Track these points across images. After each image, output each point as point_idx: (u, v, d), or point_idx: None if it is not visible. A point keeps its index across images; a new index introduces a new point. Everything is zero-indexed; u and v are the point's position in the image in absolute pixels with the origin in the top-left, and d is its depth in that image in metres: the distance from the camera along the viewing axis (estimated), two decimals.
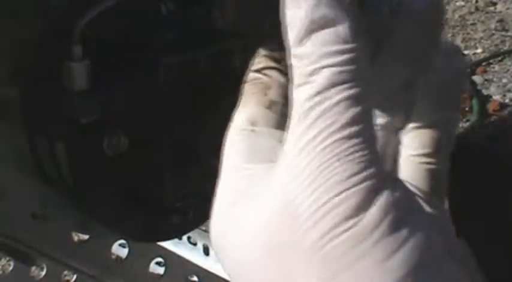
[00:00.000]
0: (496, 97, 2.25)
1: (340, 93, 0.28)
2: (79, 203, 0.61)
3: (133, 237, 0.69)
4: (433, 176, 0.34)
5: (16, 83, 0.57)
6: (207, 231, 0.97)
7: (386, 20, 0.33)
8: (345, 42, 0.28)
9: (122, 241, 0.77)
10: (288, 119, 0.31)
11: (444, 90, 0.34)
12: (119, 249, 0.83)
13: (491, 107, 2.19)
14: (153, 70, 0.60)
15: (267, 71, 0.34)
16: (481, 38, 2.55)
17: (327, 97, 0.28)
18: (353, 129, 0.27)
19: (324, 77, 0.28)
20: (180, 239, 1.00)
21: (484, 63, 2.41)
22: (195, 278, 0.90)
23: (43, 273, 0.68)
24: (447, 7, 2.76)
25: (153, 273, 0.82)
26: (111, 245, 0.74)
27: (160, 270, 0.84)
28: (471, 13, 2.71)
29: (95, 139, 0.59)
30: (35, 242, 0.65)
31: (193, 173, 0.64)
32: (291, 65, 0.30)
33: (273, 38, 0.33)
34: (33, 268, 0.68)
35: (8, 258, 1.11)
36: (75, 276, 0.72)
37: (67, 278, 0.73)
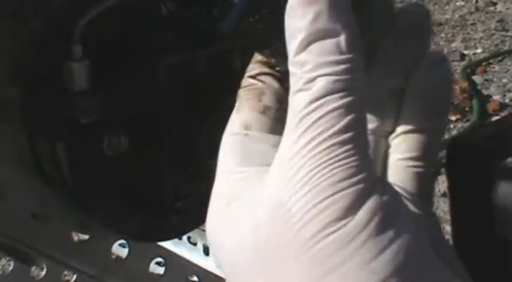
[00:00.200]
0: (496, 97, 2.25)
1: (335, 102, 0.29)
2: (79, 203, 0.61)
3: (133, 237, 0.69)
4: (420, 179, 0.35)
5: (16, 83, 0.57)
6: None
7: (379, 28, 0.34)
8: (342, 52, 0.30)
9: (122, 241, 0.77)
10: (280, 124, 0.33)
11: (431, 98, 0.35)
12: (119, 249, 0.83)
13: (491, 107, 2.19)
14: (153, 70, 0.60)
15: (261, 77, 0.36)
16: (481, 38, 2.55)
17: (322, 105, 0.29)
18: (346, 136, 0.29)
19: (320, 85, 0.29)
20: (180, 239, 1.00)
21: (484, 63, 2.41)
22: (195, 278, 0.90)
23: (43, 273, 0.69)
24: (447, 7, 2.76)
25: (153, 273, 0.82)
26: (111, 245, 0.74)
27: (160, 270, 0.84)
28: (471, 13, 2.71)
29: (95, 139, 0.59)
30: (35, 242, 0.65)
31: (193, 173, 0.64)
32: (290, 72, 0.31)
33: (269, 43, 0.34)
34: (33, 268, 0.68)
35: (8, 258, 1.11)
36: (75, 276, 0.72)
37: (67, 278, 0.73)
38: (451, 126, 2.12)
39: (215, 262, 0.33)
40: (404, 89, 0.35)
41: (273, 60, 0.35)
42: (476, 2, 2.77)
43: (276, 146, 0.32)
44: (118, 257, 0.81)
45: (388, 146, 0.36)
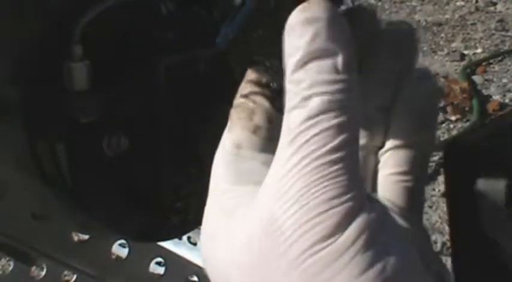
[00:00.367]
0: (496, 97, 2.25)
1: (328, 121, 0.30)
2: (79, 203, 0.61)
3: (133, 237, 0.69)
4: (409, 193, 0.36)
5: (16, 83, 0.57)
6: None
7: (366, 45, 0.35)
8: (338, 72, 0.30)
9: (122, 241, 0.77)
10: (271, 142, 0.34)
11: (418, 114, 0.36)
12: (119, 249, 0.83)
13: (491, 107, 2.19)
14: (153, 70, 0.60)
15: (252, 96, 0.36)
16: (481, 38, 2.55)
17: (316, 123, 0.30)
18: (337, 155, 0.30)
19: (315, 103, 0.30)
20: (180, 239, 1.00)
21: (484, 63, 2.41)
22: (195, 278, 0.90)
23: (43, 273, 0.69)
24: (447, 7, 2.76)
25: (153, 273, 0.82)
26: (111, 245, 0.74)
27: (160, 270, 0.84)
28: (471, 13, 2.71)
29: (94, 139, 0.59)
30: (35, 242, 0.65)
31: (193, 173, 0.64)
32: (286, 89, 0.32)
33: (265, 60, 0.34)
34: (33, 268, 0.68)
35: (8, 258, 1.11)
36: (75, 276, 0.72)
37: (67, 278, 0.73)
38: (451, 126, 2.12)
39: (209, 278, 0.33)
40: (389, 106, 0.36)
41: (265, 79, 0.36)
42: (476, 2, 2.77)
43: (267, 164, 0.33)
44: (118, 257, 0.81)
45: (377, 161, 0.37)
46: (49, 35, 0.57)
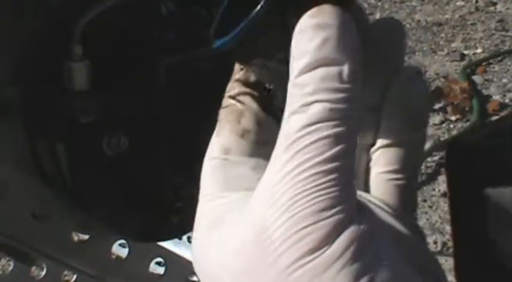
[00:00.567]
0: (496, 97, 2.25)
1: (327, 130, 0.30)
2: (79, 203, 0.61)
3: (133, 237, 0.69)
4: (401, 191, 0.36)
5: (16, 83, 0.57)
6: None
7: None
8: (343, 81, 0.30)
9: (122, 241, 0.77)
10: (259, 146, 0.34)
11: (407, 113, 0.36)
12: (119, 249, 0.83)
13: (491, 107, 2.19)
14: (153, 70, 0.60)
15: (240, 97, 0.36)
16: (481, 38, 2.56)
17: (314, 131, 0.30)
18: (331, 165, 0.29)
19: (315, 110, 0.30)
20: (180, 239, 1.00)
21: (484, 63, 2.41)
22: (195, 278, 0.90)
23: (43, 273, 0.69)
24: (447, 7, 2.76)
25: (153, 273, 0.82)
26: (111, 245, 0.74)
27: (160, 270, 0.84)
28: (471, 13, 2.71)
29: (94, 139, 0.59)
30: (35, 242, 0.65)
31: (194, 173, 0.64)
32: (288, 92, 0.31)
33: (268, 60, 0.34)
34: (33, 268, 0.68)
35: (8, 258, 1.11)
36: (75, 276, 0.72)
37: (67, 278, 0.73)
38: (451, 126, 2.12)
39: None
40: (379, 104, 0.36)
41: (253, 78, 0.35)
42: (476, 2, 2.77)
43: (256, 169, 0.33)
44: (118, 257, 0.81)
45: (369, 159, 0.36)
46: (49, 35, 0.57)
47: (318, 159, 0.29)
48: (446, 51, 2.49)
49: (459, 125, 2.13)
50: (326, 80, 0.30)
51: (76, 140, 0.58)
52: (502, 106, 2.19)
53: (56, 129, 0.58)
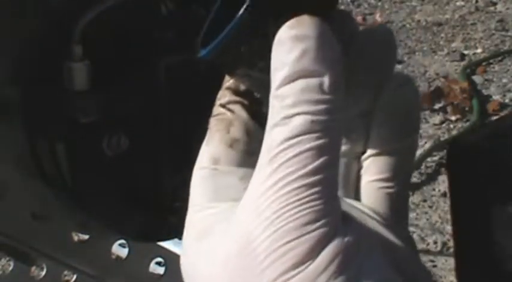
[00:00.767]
0: (496, 97, 2.25)
1: (309, 142, 0.29)
2: (79, 203, 0.61)
3: (133, 237, 0.69)
4: (392, 199, 0.36)
5: (16, 83, 0.57)
6: None
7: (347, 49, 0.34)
8: (323, 93, 0.30)
9: (122, 241, 0.77)
10: (249, 156, 0.34)
11: (397, 121, 0.36)
12: (119, 249, 0.83)
13: (491, 107, 2.19)
14: (153, 70, 0.60)
15: (230, 106, 0.36)
16: (481, 38, 2.56)
17: (297, 143, 0.29)
18: (314, 178, 0.29)
19: (297, 122, 0.30)
20: (180, 239, 1.00)
21: (484, 63, 2.41)
22: None
23: (43, 273, 0.69)
24: (447, 7, 2.76)
25: (153, 273, 0.82)
26: (111, 245, 0.74)
27: (160, 270, 0.84)
28: (471, 13, 2.71)
29: (94, 139, 0.59)
30: (35, 242, 0.65)
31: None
32: (270, 103, 0.31)
33: (250, 70, 0.34)
34: (33, 268, 0.68)
35: (8, 258, 1.11)
36: (75, 276, 0.72)
37: (67, 278, 0.73)
38: (451, 126, 2.12)
39: None
40: (369, 111, 0.36)
41: (243, 87, 0.35)
42: (476, 2, 2.77)
43: (245, 178, 0.33)
44: (118, 257, 0.81)
45: (360, 167, 0.36)
46: (49, 35, 0.57)
47: (300, 172, 0.29)
48: (446, 51, 2.49)
49: (459, 125, 2.13)
50: (306, 91, 0.30)
51: (76, 140, 0.58)
52: (502, 106, 2.19)
53: (56, 129, 0.58)
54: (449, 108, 2.16)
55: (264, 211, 0.29)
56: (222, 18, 0.33)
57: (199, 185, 0.35)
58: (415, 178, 1.85)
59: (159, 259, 0.83)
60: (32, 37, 0.57)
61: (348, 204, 0.35)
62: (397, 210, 0.36)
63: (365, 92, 0.36)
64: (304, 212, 0.29)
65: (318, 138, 0.29)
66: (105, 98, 0.58)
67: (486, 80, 2.33)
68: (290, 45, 0.30)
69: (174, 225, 0.68)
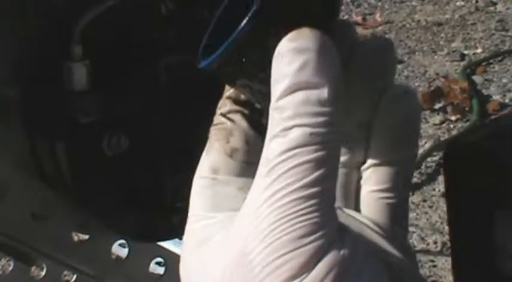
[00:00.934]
0: (496, 97, 2.25)
1: (307, 155, 0.30)
2: (79, 203, 0.61)
3: (133, 237, 0.69)
4: (392, 209, 0.36)
5: (16, 83, 0.58)
6: None
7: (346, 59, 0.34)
8: (323, 105, 0.30)
9: (122, 241, 0.77)
10: (248, 166, 0.34)
11: (396, 132, 0.36)
12: (119, 249, 0.83)
13: (491, 107, 2.19)
14: (153, 70, 0.60)
15: (231, 115, 0.36)
16: (481, 38, 2.56)
17: (295, 155, 0.30)
18: (312, 190, 0.29)
19: (296, 134, 0.30)
20: (180, 239, 1.00)
21: (484, 63, 2.41)
22: None
23: (43, 273, 0.69)
24: (447, 7, 2.76)
25: (153, 273, 0.82)
26: (111, 245, 0.74)
27: (160, 270, 0.84)
28: (471, 13, 2.71)
29: (94, 139, 0.59)
30: (35, 242, 0.65)
31: (194, 173, 0.64)
32: (270, 115, 0.31)
33: (250, 81, 0.34)
34: (33, 268, 0.68)
35: (8, 258, 1.11)
36: (75, 276, 0.72)
37: (67, 278, 0.73)
38: (451, 126, 2.12)
39: None
40: (368, 122, 0.36)
41: (243, 96, 0.35)
42: (476, 2, 2.77)
43: (244, 189, 0.33)
44: (118, 257, 0.81)
45: (360, 177, 0.36)
46: (49, 35, 0.57)
47: (298, 185, 0.29)
48: (446, 51, 2.49)
49: (459, 125, 2.13)
50: (306, 104, 0.30)
51: (76, 140, 0.58)
52: (502, 106, 2.19)
53: (56, 129, 0.58)
54: (449, 108, 2.16)
55: (261, 223, 0.29)
56: (223, 29, 0.33)
57: (199, 194, 0.35)
58: (415, 178, 1.85)
59: (159, 259, 0.83)
60: (32, 37, 0.57)
61: (346, 215, 0.35)
62: (396, 220, 0.36)
63: (365, 102, 0.36)
64: (301, 224, 0.29)
65: (316, 150, 0.30)
66: (105, 98, 0.58)
67: (486, 80, 2.33)
68: (290, 57, 0.30)
69: (174, 225, 0.68)
